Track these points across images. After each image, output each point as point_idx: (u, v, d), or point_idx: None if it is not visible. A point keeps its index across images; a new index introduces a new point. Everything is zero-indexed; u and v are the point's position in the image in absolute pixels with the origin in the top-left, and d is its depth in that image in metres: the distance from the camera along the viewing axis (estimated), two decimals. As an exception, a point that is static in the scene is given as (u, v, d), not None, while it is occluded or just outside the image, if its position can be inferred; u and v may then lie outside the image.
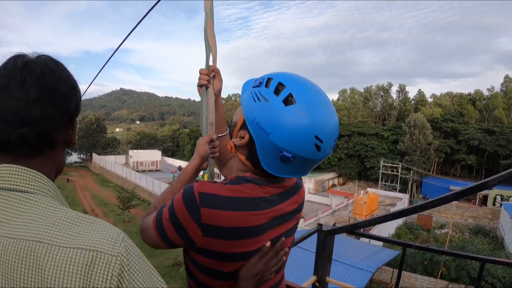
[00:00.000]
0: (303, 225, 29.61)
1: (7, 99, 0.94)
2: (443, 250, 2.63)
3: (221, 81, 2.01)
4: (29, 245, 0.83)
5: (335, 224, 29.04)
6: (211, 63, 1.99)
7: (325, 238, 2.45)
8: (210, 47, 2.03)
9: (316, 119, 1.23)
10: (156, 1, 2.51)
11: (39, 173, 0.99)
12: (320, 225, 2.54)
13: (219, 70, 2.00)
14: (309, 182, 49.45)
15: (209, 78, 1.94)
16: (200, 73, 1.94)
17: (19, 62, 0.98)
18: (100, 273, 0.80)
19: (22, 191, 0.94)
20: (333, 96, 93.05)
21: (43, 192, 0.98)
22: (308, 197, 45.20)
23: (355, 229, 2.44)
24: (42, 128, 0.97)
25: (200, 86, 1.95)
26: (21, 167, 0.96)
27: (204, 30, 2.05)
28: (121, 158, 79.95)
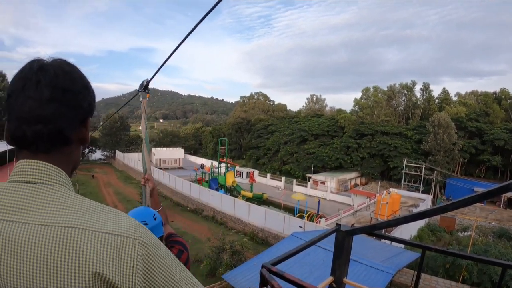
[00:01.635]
0: (324, 225, 29.36)
1: (23, 98, 1.02)
2: (463, 254, 2.57)
3: (153, 183, 3.23)
4: (63, 231, 0.90)
5: (353, 224, 28.72)
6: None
7: (343, 238, 2.42)
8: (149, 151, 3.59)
9: None
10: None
11: (57, 167, 1.07)
12: (338, 225, 2.51)
13: (151, 177, 3.24)
14: (331, 181, 49.05)
15: (145, 181, 3.21)
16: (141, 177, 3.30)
17: (35, 65, 1.06)
18: (128, 254, 0.91)
19: (43, 184, 1.01)
20: (356, 95, 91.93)
21: (64, 185, 1.05)
22: (330, 196, 45.13)
23: (374, 230, 2.40)
24: (56, 125, 1.04)
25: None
26: (40, 161, 1.04)
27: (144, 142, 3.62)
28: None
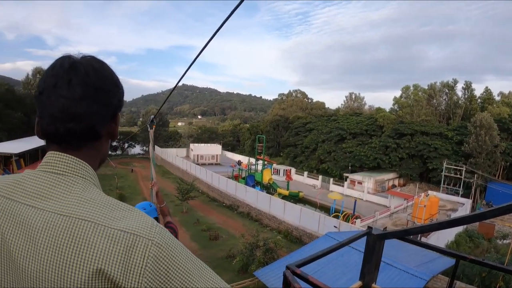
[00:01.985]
0: (359, 226, 28.84)
1: (55, 97, 1.04)
2: (498, 266, 2.36)
3: (157, 187, 4.36)
4: (76, 223, 0.92)
5: (385, 228, 28.07)
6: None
7: (374, 242, 2.26)
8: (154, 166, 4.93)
9: None
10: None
11: (84, 162, 1.10)
12: (369, 228, 2.35)
13: (157, 184, 4.48)
14: (368, 182, 48.16)
15: (152, 186, 4.41)
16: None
17: (66, 63, 1.08)
18: (139, 254, 0.90)
19: (66, 175, 1.05)
20: (396, 93, 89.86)
21: (87, 179, 1.08)
22: (366, 197, 44.39)
23: (407, 235, 2.23)
24: (88, 122, 1.08)
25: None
26: (67, 155, 1.08)
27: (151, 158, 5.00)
28: (182, 151, 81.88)
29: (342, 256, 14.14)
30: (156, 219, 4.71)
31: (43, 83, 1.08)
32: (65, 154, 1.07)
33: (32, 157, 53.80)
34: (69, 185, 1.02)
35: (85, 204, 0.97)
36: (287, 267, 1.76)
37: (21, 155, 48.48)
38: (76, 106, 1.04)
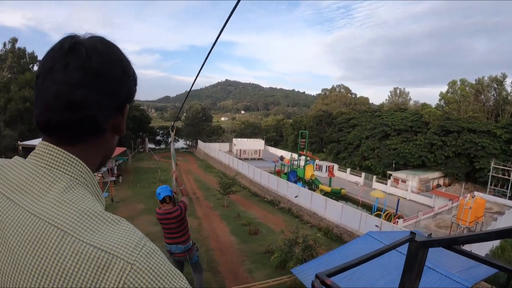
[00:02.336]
0: (402, 226, 28.08)
1: (50, 82, 0.92)
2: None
3: (176, 174, 6.81)
4: (46, 228, 0.78)
5: (430, 234, 27.12)
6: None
7: (417, 250, 2.06)
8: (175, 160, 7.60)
9: None
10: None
11: (76, 158, 0.96)
12: (412, 233, 2.15)
13: (175, 171, 6.90)
14: (412, 180, 46.53)
15: (172, 175, 6.87)
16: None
17: (66, 44, 0.96)
18: (111, 279, 0.71)
19: (53, 170, 0.93)
20: (442, 88, 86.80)
21: (76, 178, 0.94)
22: (410, 196, 42.99)
23: (454, 244, 2.05)
24: (87, 113, 0.94)
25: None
26: (60, 149, 0.95)
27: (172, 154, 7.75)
28: (225, 146, 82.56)
29: (383, 257, 13.72)
30: (170, 197, 6.87)
31: (41, 66, 0.96)
32: (54, 147, 0.94)
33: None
34: (52, 182, 0.88)
35: (61, 206, 0.82)
36: (317, 276, 1.62)
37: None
38: (73, 93, 0.90)
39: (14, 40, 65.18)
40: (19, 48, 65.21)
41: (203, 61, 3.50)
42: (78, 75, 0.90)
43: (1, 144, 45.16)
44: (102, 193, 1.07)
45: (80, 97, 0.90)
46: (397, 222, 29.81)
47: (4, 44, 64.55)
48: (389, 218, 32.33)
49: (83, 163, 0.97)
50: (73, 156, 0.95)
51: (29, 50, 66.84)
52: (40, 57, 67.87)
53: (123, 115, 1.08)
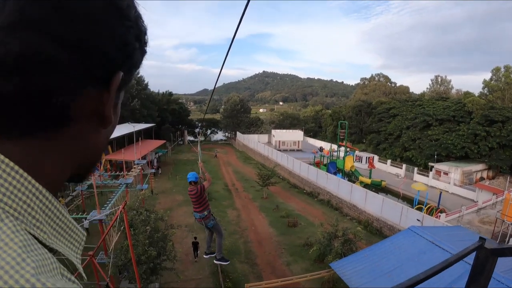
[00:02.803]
0: (444, 220, 27.13)
1: None
2: None
3: (201, 164, 10.86)
4: None
5: (503, 241, 25.88)
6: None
7: (486, 259, 1.81)
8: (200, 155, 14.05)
9: None
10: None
11: (14, 167, 0.52)
12: (482, 239, 1.88)
13: (201, 162, 11.21)
14: (455, 173, 44.72)
15: (199, 164, 11.02)
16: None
17: None
18: None
19: None
20: (485, 75, 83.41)
21: (6, 205, 0.50)
22: (452, 189, 41.55)
23: None
24: (30, 81, 0.51)
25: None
26: None
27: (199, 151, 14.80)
28: (264, 137, 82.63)
29: (425, 254, 13.36)
30: (195, 182, 9.99)
31: None
32: None
33: (118, 143, 57.00)
34: None
35: None
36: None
37: (108, 142, 51.15)
38: (6, 41, 0.49)
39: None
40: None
41: (228, 52, 3.34)
42: (15, 8, 0.49)
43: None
44: (71, 222, 0.64)
45: (17, 48, 0.49)
46: (439, 216, 28.90)
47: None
48: (430, 212, 31.37)
49: (24, 174, 0.53)
50: (6, 160, 0.52)
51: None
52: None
53: (109, 92, 0.62)
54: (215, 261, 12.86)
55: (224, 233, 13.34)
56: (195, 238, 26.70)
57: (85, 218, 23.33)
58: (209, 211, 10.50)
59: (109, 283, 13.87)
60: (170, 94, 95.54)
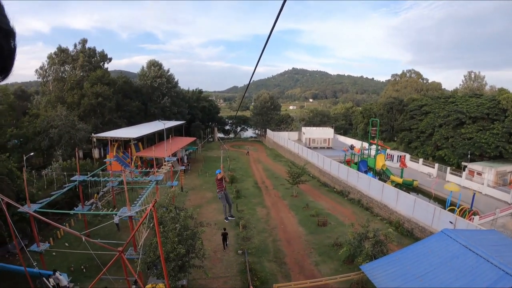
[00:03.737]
0: (477, 223, 26.26)
1: None
2: None
3: (223, 175, 20.25)
4: None
5: None
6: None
7: None
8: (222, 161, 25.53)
9: None
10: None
11: None
12: None
13: (222, 173, 20.30)
14: (488, 173, 43.05)
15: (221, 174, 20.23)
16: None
17: None
18: None
19: None
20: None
21: None
22: (486, 190, 40.15)
23: None
24: None
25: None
26: None
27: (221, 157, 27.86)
28: (294, 135, 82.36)
29: (457, 258, 12.94)
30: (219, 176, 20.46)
31: None
32: None
33: (149, 141, 57.95)
34: None
35: None
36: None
37: (139, 139, 52.54)
38: None
39: (84, 41, 68.83)
40: (89, 48, 68.77)
41: (263, 50, 3.29)
42: None
43: (76, 136, 47.75)
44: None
45: None
46: (473, 219, 28.00)
47: (75, 45, 68.32)
48: (463, 214, 30.38)
49: None
50: None
51: (98, 49, 70.30)
52: (110, 55, 71.57)
53: None
54: (228, 217, 21.74)
55: (232, 202, 23.53)
56: (224, 229, 27.54)
57: (116, 214, 23.70)
58: (224, 191, 20.49)
59: (138, 279, 13.99)
60: (200, 91, 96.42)
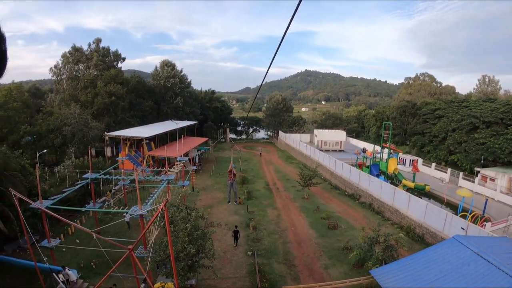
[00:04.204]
0: (489, 230, 25.86)
1: None
2: None
3: (230, 168, 37.18)
4: None
5: None
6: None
7: None
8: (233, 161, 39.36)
9: None
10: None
11: None
12: None
13: (231, 167, 37.33)
14: (502, 179, 41.82)
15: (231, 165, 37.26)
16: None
17: None
18: None
19: None
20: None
21: None
22: (498, 196, 39.52)
23: None
24: None
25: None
26: None
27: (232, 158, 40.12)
28: (306, 137, 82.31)
29: (468, 265, 12.78)
30: (230, 169, 37.79)
31: None
32: None
33: (161, 140, 58.26)
34: None
35: None
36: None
37: (152, 138, 52.79)
38: None
39: (98, 41, 69.67)
40: (103, 47, 69.53)
41: (277, 51, 3.26)
42: None
43: (88, 135, 48.17)
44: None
45: None
46: (485, 225, 27.58)
47: (89, 45, 69.19)
48: (475, 220, 29.93)
49: None
50: None
51: (112, 48, 71.06)
52: (123, 55, 72.21)
53: None
54: (235, 203, 36.74)
55: (236, 190, 38.31)
56: (236, 227, 27.85)
57: (127, 213, 23.85)
58: (231, 181, 36.94)
59: (147, 278, 14.05)
60: (213, 92, 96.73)
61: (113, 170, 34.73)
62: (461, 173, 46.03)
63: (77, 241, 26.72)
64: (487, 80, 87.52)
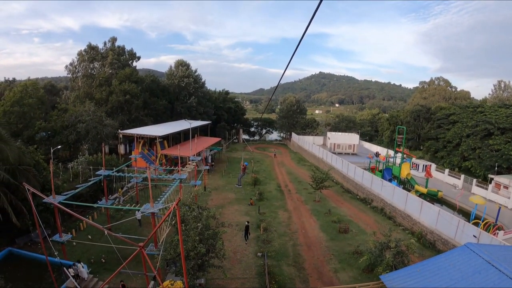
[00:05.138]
0: (502, 238, 25.45)
1: None
2: None
3: (242, 164, 48.08)
4: None
5: None
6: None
7: None
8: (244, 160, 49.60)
9: None
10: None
11: None
12: None
13: (242, 164, 48.29)
14: None
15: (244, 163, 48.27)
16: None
17: None
18: None
19: None
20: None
21: None
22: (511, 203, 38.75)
23: None
24: None
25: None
26: None
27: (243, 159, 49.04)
28: (319, 139, 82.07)
29: (479, 274, 12.63)
30: (245, 166, 49.36)
31: None
32: None
33: (174, 139, 58.54)
34: None
35: None
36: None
37: (165, 137, 53.15)
38: None
39: (113, 40, 70.48)
40: (118, 46, 70.22)
41: (293, 53, 3.29)
42: None
43: (102, 132, 48.60)
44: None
45: None
46: (497, 234, 27.17)
47: (105, 43, 70.11)
48: (487, 228, 29.48)
49: None
50: None
51: (127, 48, 71.80)
52: (138, 54, 72.84)
53: None
54: (236, 185, 45.98)
55: (242, 176, 47.59)
56: (248, 222, 28.20)
57: (138, 210, 24.00)
58: (242, 174, 47.14)
59: (157, 275, 14.13)
60: (227, 92, 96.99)
61: (126, 168, 35.02)
62: (474, 180, 45.42)
63: (89, 236, 27.02)
64: (502, 85, 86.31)
